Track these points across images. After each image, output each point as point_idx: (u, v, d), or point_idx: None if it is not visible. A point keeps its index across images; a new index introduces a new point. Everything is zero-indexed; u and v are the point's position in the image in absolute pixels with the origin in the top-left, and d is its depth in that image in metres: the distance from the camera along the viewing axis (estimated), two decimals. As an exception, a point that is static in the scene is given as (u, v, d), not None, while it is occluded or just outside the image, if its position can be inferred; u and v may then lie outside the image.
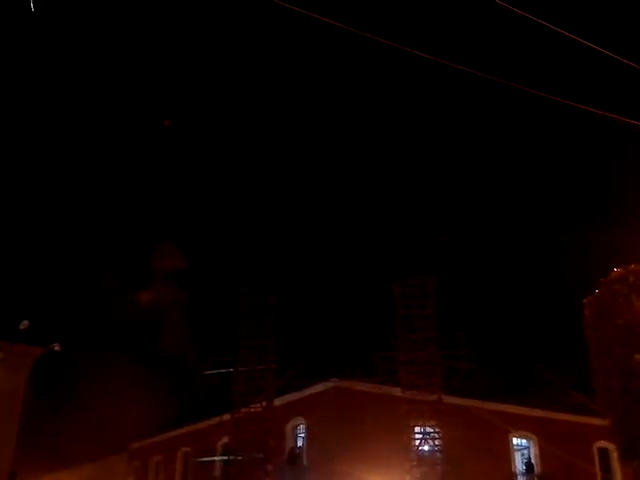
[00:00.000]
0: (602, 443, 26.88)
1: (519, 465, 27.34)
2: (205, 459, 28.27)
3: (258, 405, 24.36)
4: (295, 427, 26.83)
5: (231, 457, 24.63)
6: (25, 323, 19.35)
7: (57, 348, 19.73)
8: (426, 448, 23.56)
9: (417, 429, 23.62)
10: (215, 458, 28.28)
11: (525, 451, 27.90)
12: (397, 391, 23.27)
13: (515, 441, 27.56)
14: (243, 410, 24.42)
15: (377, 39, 8.55)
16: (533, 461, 27.09)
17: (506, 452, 26.75)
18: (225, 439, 27.53)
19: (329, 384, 24.93)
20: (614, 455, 27.10)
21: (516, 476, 26.69)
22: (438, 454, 23.16)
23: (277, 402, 24.95)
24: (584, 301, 9.97)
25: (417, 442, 23.44)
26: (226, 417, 25.54)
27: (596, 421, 24.31)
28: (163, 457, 34.12)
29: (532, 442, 27.52)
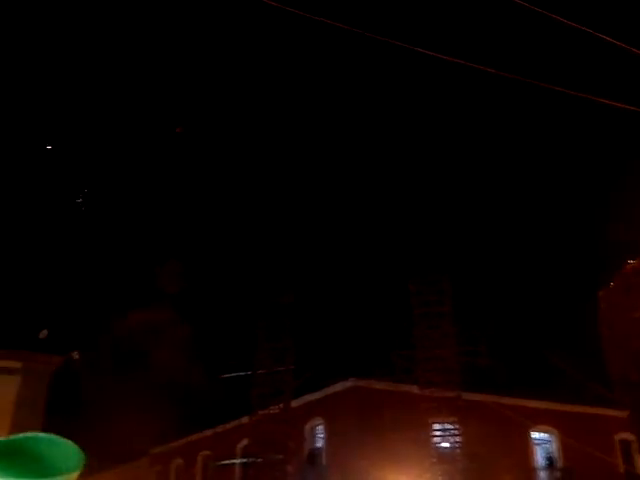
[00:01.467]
0: (623, 435, 26.68)
1: (540, 459, 27.21)
2: (225, 462, 28.40)
3: (276, 407, 24.45)
4: (314, 427, 26.86)
5: (251, 459, 24.74)
6: (44, 332, 19.56)
7: (76, 356, 19.91)
8: (446, 445, 23.56)
9: (437, 426, 23.63)
10: (235, 461, 28.39)
11: (546, 445, 27.76)
12: (416, 389, 23.27)
13: (536, 435, 27.42)
14: (262, 412, 24.53)
15: (378, 37, 8.57)
16: (554, 455, 26.96)
17: (527, 447, 26.64)
18: (245, 441, 27.63)
19: (347, 384, 24.95)
20: (636, 446, 26.91)
21: (537, 470, 26.57)
22: (458, 450, 23.15)
23: (295, 403, 25.03)
24: (599, 294, 9.90)
25: (437, 439, 23.45)
26: (245, 419, 25.65)
27: (617, 413, 24.19)
28: (184, 461, 34.31)
29: (553, 436, 27.37)
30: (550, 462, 26.83)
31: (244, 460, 26.81)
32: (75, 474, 0.80)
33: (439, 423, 23.64)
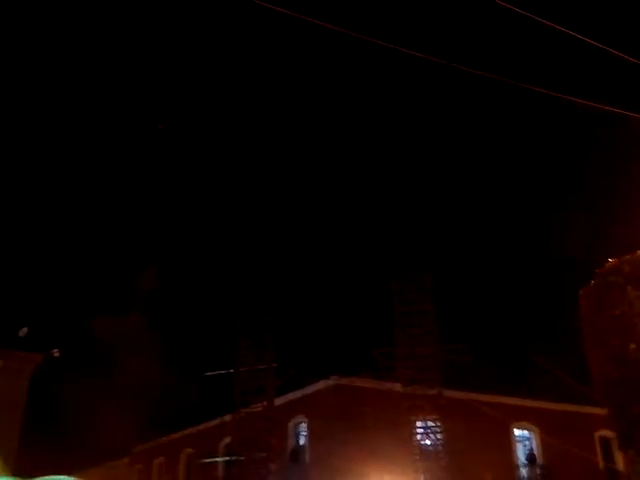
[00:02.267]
0: (603, 432, 26.96)
1: (521, 456, 27.42)
2: (208, 460, 28.32)
3: (259, 404, 24.43)
4: (297, 425, 26.89)
5: (234, 457, 24.71)
6: (24, 330, 19.36)
7: (57, 354, 19.72)
8: (428, 442, 23.66)
9: (418, 424, 23.69)
10: (218, 459, 28.33)
11: (527, 442, 27.98)
12: (397, 386, 23.34)
13: (517, 432, 27.63)
14: (244, 410, 24.50)
15: (371, 39, 8.56)
16: (535, 452, 27.18)
17: (508, 444, 26.83)
18: (227, 439, 27.59)
19: (329, 382, 24.99)
20: (615, 444, 27.17)
21: (518, 467, 26.77)
22: (440, 448, 23.25)
23: (278, 401, 25.01)
24: (580, 292, 9.97)
25: (419, 436, 23.53)
26: (228, 417, 25.60)
27: (597, 410, 24.40)
28: (166, 459, 34.15)
29: (534, 433, 27.61)
30: (531, 459, 27.04)
31: (227, 458, 26.76)
32: None
33: (421, 421, 23.72)
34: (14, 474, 18.02)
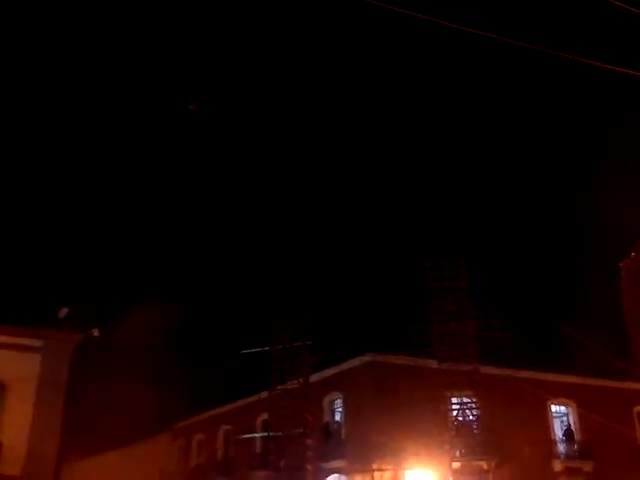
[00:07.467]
0: (643, 407, 26.66)
1: (558, 432, 27.22)
2: (245, 436, 28.74)
3: (295, 382, 24.67)
4: (332, 402, 27.08)
5: (271, 433, 25.03)
6: (64, 311, 19.67)
7: (96, 334, 20.03)
8: (464, 418, 23.64)
9: (454, 400, 23.70)
10: (255, 435, 28.73)
11: (564, 418, 27.75)
12: (433, 363, 23.32)
13: (554, 408, 27.41)
14: (280, 387, 24.77)
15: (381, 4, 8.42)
16: (573, 428, 26.96)
17: (545, 420, 26.65)
18: (264, 416, 27.93)
19: (365, 358, 25.07)
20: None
21: (556, 443, 26.60)
22: (476, 424, 23.23)
23: (313, 378, 25.22)
24: (620, 264, 9.81)
25: (454, 412, 23.54)
26: (264, 394, 25.91)
27: (635, 385, 24.14)
28: (205, 435, 34.76)
29: (571, 409, 27.36)
30: (568, 435, 26.82)
31: (264, 434, 27.13)
32: None
33: (456, 396, 23.72)
34: (59, 452, 18.51)
